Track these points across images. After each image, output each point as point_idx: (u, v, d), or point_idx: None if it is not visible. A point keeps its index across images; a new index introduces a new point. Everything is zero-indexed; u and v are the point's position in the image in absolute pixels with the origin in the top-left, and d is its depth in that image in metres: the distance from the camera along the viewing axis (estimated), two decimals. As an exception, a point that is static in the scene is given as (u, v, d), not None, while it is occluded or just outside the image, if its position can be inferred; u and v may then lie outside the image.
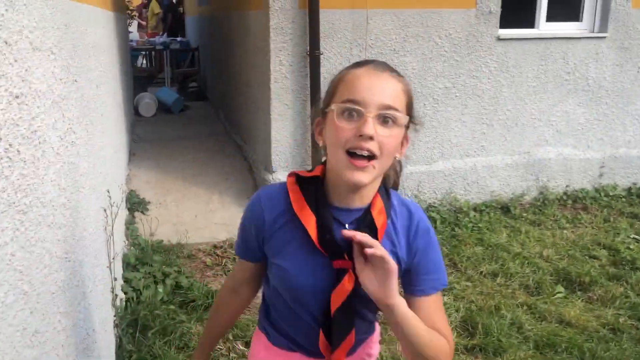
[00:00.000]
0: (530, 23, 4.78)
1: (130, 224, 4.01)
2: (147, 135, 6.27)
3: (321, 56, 4.15)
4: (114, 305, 2.44)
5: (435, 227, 4.30)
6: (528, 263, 3.72)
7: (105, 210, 2.38)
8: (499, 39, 4.51)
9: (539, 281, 3.48)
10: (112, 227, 2.39)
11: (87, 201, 1.89)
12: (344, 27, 4.18)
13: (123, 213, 4.04)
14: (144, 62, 11.68)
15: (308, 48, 4.10)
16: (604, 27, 4.78)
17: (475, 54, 4.50)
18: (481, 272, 3.60)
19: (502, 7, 4.52)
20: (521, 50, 4.60)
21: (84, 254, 1.76)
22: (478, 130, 4.68)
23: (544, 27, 4.75)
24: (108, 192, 2.48)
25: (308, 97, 4.22)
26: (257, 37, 4.50)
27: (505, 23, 4.59)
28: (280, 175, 4.35)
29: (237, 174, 4.96)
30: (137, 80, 9.42)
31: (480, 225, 4.31)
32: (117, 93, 4.09)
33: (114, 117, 3.71)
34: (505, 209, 4.66)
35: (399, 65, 4.33)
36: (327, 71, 4.22)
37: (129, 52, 8.40)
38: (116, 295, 2.55)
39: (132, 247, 3.74)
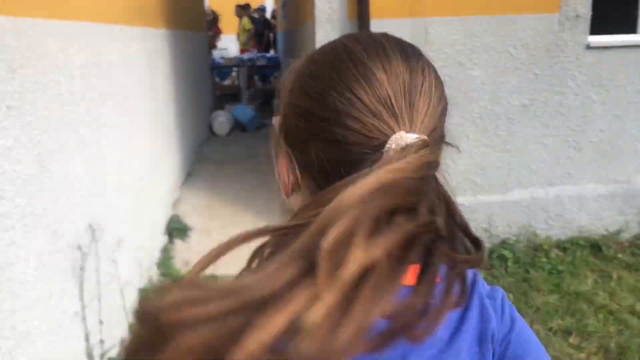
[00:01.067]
0: (630, 27, 4.02)
1: (166, 252, 3.81)
2: (213, 155, 6.14)
3: (374, 71, 3.72)
4: (88, 355, 2.16)
5: (506, 268, 3.70)
6: (614, 319, 3.02)
7: (80, 247, 2.12)
8: (588, 47, 3.82)
9: (623, 345, 2.79)
10: (85, 266, 2.12)
11: (24, 240, 1.62)
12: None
13: (160, 240, 3.85)
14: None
15: (358, 63, 3.68)
16: None
17: (559, 66, 3.84)
18: (551, 329, 2.96)
19: (593, 9, 3.84)
20: (618, 59, 3.87)
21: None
22: (563, 154, 3.99)
23: (649, 32, 3.98)
24: (91, 226, 2.22)
25: (360, 117, 3.79)
26: (308, 50, 4.16)
27: (596, 29, 3.90)
28: (328, 202, 3.96)
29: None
30: (223, 98, 9.49)
31: (560, 267, 3.63)
32: (160, 113, 3.92)
33: (149, 140, 3.52)
34: (595, 247, 3.92)
35: (465, 80, 3.80)
36: (382, 88, 3.77)
37: (209, 70, 8.43)
38: (102, 340, 2.29)
39: (161, 279, 3.52)
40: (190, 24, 6.26)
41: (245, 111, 7.56)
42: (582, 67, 3.86)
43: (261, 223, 4.25)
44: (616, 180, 4.07)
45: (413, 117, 0.58)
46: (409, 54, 0.65)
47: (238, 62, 9.49)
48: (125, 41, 3.07)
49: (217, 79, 11.65)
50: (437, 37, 3.73)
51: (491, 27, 3.75)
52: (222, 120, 7.25)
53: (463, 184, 3.98)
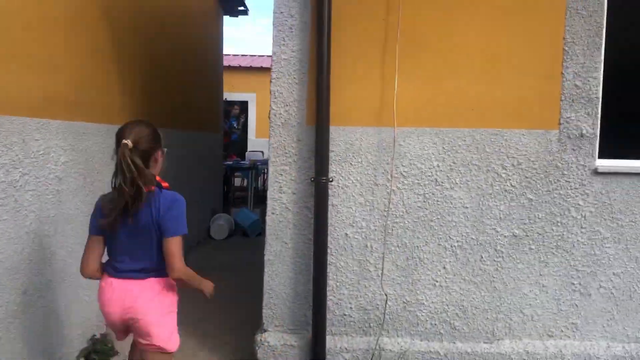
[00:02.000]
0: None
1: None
2: (195, 262, 5.64)
3: (333, 184, 3.20)
4: None
5: None
6: None
7: None
8: (596, 172, 3.17)
9: None
10: None
11: None
12: (365, 149, 3.21)
13: None
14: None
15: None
16: None
17: (560, 192, 3.19)
18: None
19: (602, 128, 3.23)
20: (634, 189, 3.18)
21: None
22: (567, 300, 3.23)
23: (675, 158, 3.29)
24: None
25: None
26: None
27: (607, 151, 3.27)
28: (271, 338, 3.30)
29: (238, 329, 3.97)
30: (240, 200, 9.17)
31: None
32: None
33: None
34: None
35: (443, 201, 3.20)
36: (342, 203, 3.22)
37: (222, 172, 8.17)
38: None
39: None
40: (188, 124, 6.03)
41: (247, 215, 7.12)
42: (588, 196, 3.18)
43: (201, 353, 3.61)
44: (637, 338, 3.23)
45: (127, 136, 2.11)
46: (135, 123, 2.22)
47: (252, 165, 9.17)
48: (43, 135, 2.69)
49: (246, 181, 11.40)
50: (409, 150, 3.19)
51: (475, 142, 3.19)
52: (220, 224, 6.81)
53: (438, 326, 3.24)
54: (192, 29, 6.31)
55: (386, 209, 3.22)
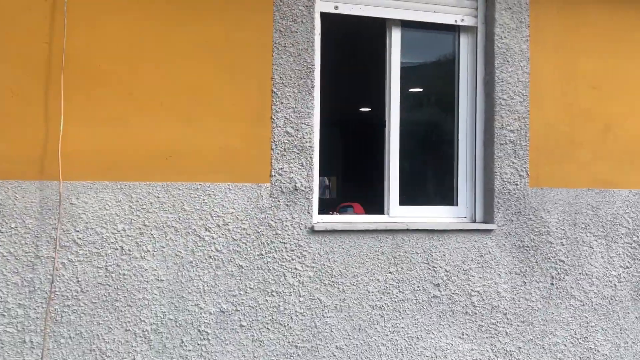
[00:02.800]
0: (373, 206, 3.09)
1: None
2: None
3: (-29, 260, 2.33)
4: None
5: None
6: None
7: None
8: (313, 230, 2.77)
9: None
10: None
11: None
12: (22, 211, 2.41)
13: None
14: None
15: (-62, 246, 2.28)
16: (489, 214, 3.10)
17: (274, 255, 2.71)
18: None
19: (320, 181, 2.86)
20: (355, 248, 2.84)
21: None
22: (286, 383, 2.73)
23: (397, 211, 3.05)
24: None
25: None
26: None
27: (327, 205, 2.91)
28: None
29: None
30: None
31: None
32: None
33: None
34: None
35: (131, 274, 2.52)
36: (-12, 286, 2.36)
37: None
38: None
39: None
40: None
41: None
42: (305, 258, 2.76)
43: None
44: (364, 419, 2.85)
45: None
46: None
47: None
48: None
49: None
50: (85, 210, 2.47)
51: (172, 198, 2.58)
52: None
53: None
54: None
55: (53, 290, 2.44)
